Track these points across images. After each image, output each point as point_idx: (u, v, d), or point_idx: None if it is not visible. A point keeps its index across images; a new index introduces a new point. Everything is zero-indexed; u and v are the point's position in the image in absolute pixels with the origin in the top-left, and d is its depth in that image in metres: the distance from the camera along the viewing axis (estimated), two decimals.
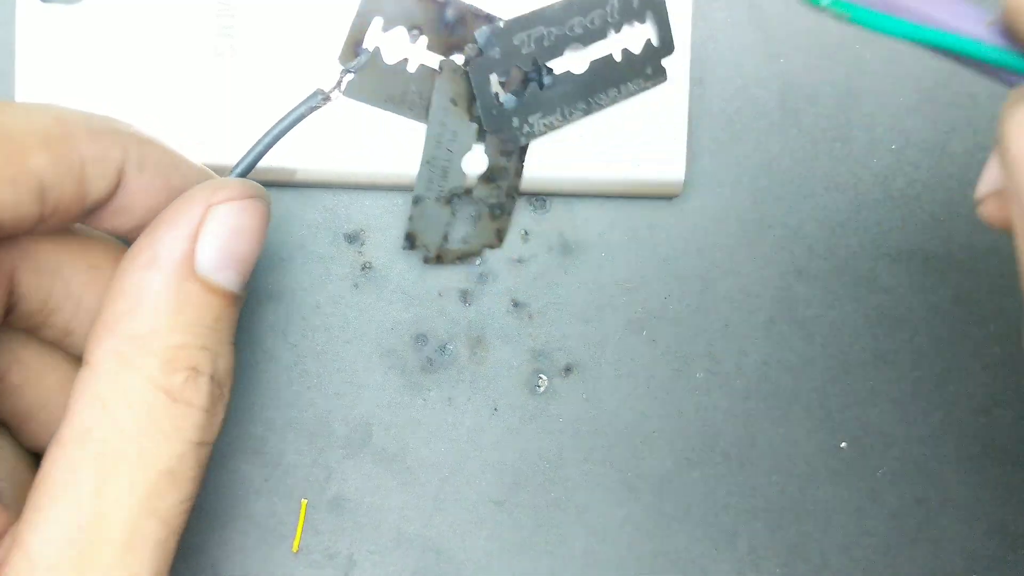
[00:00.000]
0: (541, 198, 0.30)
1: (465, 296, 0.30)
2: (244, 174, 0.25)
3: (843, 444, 0.31)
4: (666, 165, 0.29)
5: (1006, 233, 0.19)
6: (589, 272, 0.30)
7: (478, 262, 0.29)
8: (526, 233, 0.30)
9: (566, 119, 0.27)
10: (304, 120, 0.25)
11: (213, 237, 0.21)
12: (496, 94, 0.27)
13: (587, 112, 0.28)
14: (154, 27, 0.28)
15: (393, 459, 0.30)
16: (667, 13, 0.27)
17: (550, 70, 0.27)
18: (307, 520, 0.30)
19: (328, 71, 0.28)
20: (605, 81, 0.28)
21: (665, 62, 0.28)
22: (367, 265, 0.30)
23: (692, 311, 0.30)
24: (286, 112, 0.25)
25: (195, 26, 0.28)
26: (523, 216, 0.30)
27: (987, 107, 0.30)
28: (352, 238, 0.30)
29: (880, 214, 0.30)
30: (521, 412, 0.30)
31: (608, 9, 0.27)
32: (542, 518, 0.30)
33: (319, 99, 0.25)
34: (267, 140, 0.25)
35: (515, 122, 0.27)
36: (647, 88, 0.28)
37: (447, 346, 0.30)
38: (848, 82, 0.30)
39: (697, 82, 0.29)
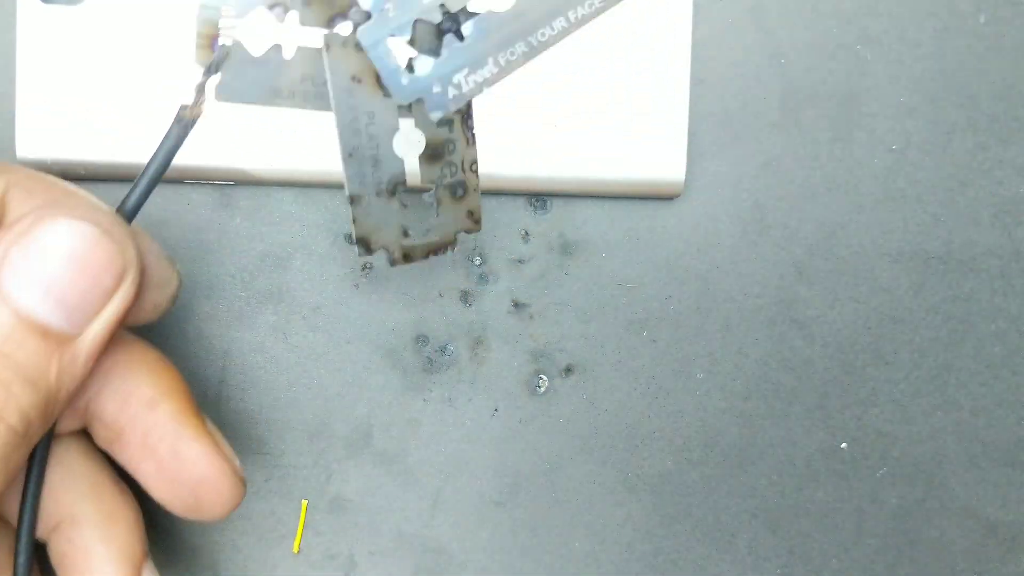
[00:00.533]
0: (541, 198, 0.30)
1: (466, 297, 0.30)
2: (135, 205, 0.22)
3: (843, 444, 0.31)
4: (666, 165, 0.29)
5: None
6: (589, 272, 0.30)
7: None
8: (526, 233, 0.30)
9: (504, 68, 0.22)
10: (183, 144, 0.22)
11: (19, 259, 0.19)
12: (405, 60, 0.22)
13: (530, 54, 0.22)
14: (154, 28, 0.28)
15: (393, 460, 0.30)
16: None
17: (469, 13, 0.22)
18: (307, 521, 0.30)
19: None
20: (545, 11, 0.22)
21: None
22: (368, 265, 0.30)
23: (692, 311, 0.30)
24: (154, 154, 0.22)
25: (195, 26, 0.28)
26: (523, 216, 0.30)
27: (988, 107, 0.30)
28: (352, 238, 0.30)
29: (880, 214, 0.30)
30: (521, 412, 0.30)
31: None
32: (542, 518, 0.30)
33: (187, 120, 0.22)
34: (146, 179, 0.22)
35: (436, 87, 0.22)
36: (607, 9, 0.22)
37: (447, 347, 0.30)
38: (848, 82, 0.30)
39: (698, 82, 0.29)
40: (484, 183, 0.28)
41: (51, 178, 0.22)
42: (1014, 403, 0.31)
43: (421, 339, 0.30)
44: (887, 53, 0.30)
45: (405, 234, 0.24)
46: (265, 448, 0.30)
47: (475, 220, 0.25)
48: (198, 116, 0.21)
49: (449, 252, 0.25)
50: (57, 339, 0.20)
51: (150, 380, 0.23)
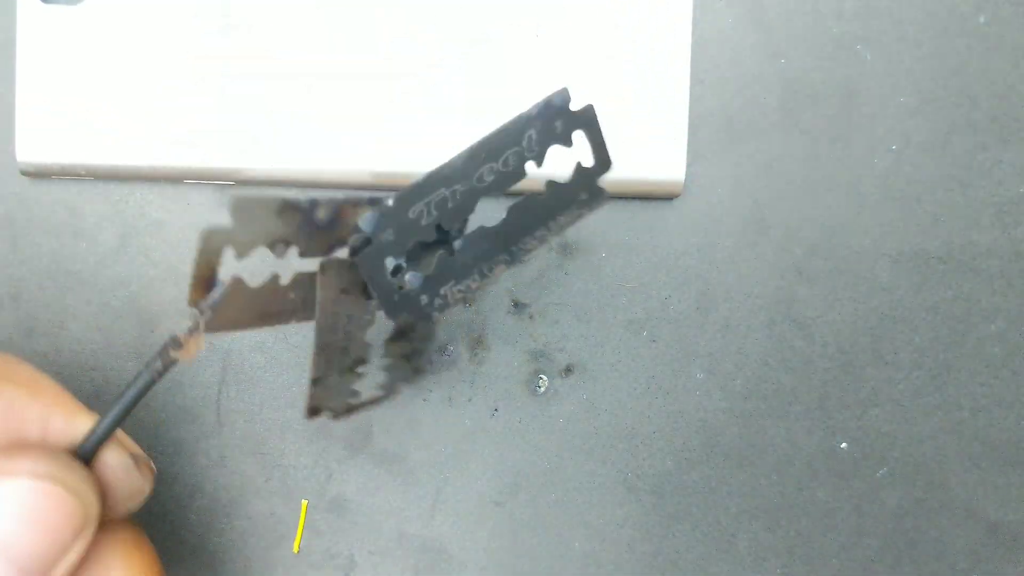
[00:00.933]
0: None
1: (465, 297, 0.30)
2: (96, 443, 0.22)
3: (843, 444, 0.31)
4: (666, 165, 0.29)
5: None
6: (589, 272, 0.30)
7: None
8: None
9: (486, 278, 0.23)
10: (158, 383, 0.22)
11: None
12: (398, 276, 0.23)
13: (511, 263, 0.23)
14: (154, 28, 0.28)
15: (393, 460, 0.30)
16: (599, 127, 0.23)
17: (460, 231, 0.23)
18: (307, 520, 0.30)
19: (331, 76, 0.28)
20: (529, 223, 0.23)
21: (603, 180, 0.24)
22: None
23: (692, 311, 0.30)
24: (131, 382, 0.22)
25: (195, 26, 0.28)
26: None
27: (988, 107, 0.30)
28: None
29: (880, 214, 0.30)
30: (521, 412, 0.30)
31: (525, 144, 0.22)
32: (542, 518, 0.30)
33: (166, 364, 0.22)
34: (116, 411, 0.22)
35: (424, 300, 0.23)
36: (583, 216, 0.24)
37: (447, 347, 0.30)
38: (848, 82, 0.30)
39: (698, 82, 0.29)
40: None
41: (62, 403, 0.21)
42: (1014, 403, 0.31)
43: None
44: (887, 53, 0.30)
45: (353, 394, 0.25)
46: (265, 448, 0.30)
47: (418, 371, 0.26)
48: (191, 357, 0.21)
49: (389, 399, 0.26)
50: None
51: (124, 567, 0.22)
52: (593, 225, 0.30)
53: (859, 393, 0.30)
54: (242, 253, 0.21)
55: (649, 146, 0.29)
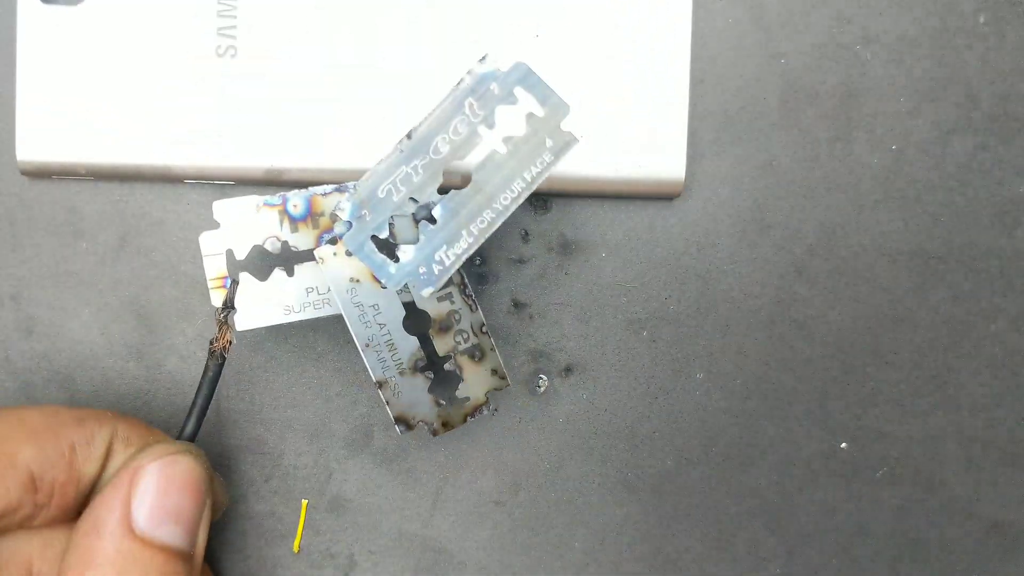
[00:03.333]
0: (542, 198, 0.30)
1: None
2: (191, 438, 0.26)
3: (843, 444, 0.31)
4: (666, 165, 0.29)
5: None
6: (589, 272, 0.30)
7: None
8: (526, 233, 0.30)
9: (478, 236, 0.24)
10: (221, 373, 0.26)
11: (144, 495, 0.23)
12: (390, 252, 0.24)
13: (498, 219, 0.25)
14: (154, 28, 0.28)
15: (393, 459, 0.30)
16: (538, 77, 0.24)
17: (437, 197, 0.25)
18: (307, 520, 0.30)
19: (327, 70, 0.28)
20: (502, 179, 0.24)
21: (567, 123, 0.24)
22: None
23: (692, 311, 0.30)
24: (200, 378, 0.26)
25: (195, 26, 0.28)
26: (523, 216, 0.30)
27: (988, 107, 0.30)
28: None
29: (880, 214, 0.30)
30: (521, 412, 0.30)
31: (468, 112, 0.24)
32: (542, 518, 0.30)
33: (218, 357, 0.25)
34: (195, 413, 0.26)
35: (422, 268, 0.24)
36: (559, 159, 0.25)
37: None
38: (848, 82, 0.30)
39: (697, 82, 0.29)
40: None
41: (141, 424, 0.26)
42: (1014, 403, 0.31)
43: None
44: (887, 53, 0.30)
45: (438, 404, 0.26)
46: (265, 448, 0.30)
47: (501, 376, 0.27)
48: (227, 347, 0.25)
49: (485, 411, 0.27)
50: (186, 558, 0.24)
51: None
52: (593, 225, 0.30)
53: (859, 393, 0.30)
54: (240, 251, 0.24)
55: (649, 146, 0.29)
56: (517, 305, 0.30)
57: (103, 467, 0.24)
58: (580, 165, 0.29)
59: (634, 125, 0.29)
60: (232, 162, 0.28)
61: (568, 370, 0.30)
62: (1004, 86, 0.30)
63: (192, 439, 0.26)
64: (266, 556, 0.30)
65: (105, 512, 0.23)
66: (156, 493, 0.23)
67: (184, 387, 0.30)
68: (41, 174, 0.29)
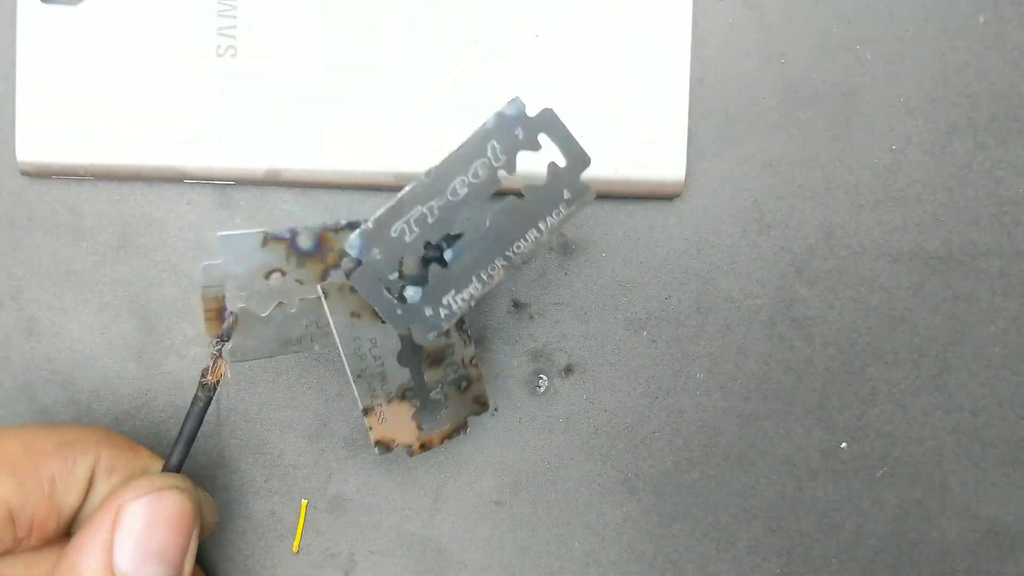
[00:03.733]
0: None
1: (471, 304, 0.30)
2: (177, 468, 0.25)
3: (843, 444, 0.31)
4: (666, 165, 0.29)
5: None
6: (589, 272, 0.30)
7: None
8: None
9: (487, 283, 0.24)
10: (210, 405, 0.25)
11: (128, 536, 0.22)
12: (397, 291, 0.24)
13: (510, 267, 0.24)
14: (154, 28, 0.28)
15: (393, 459, 0.30)
16: (563, 125, 0.24)
17: (450, 241, 0.24)
18: (307, 520, 0.30)
19: (327, 70, 0.28)
20: (518, 226, 0.24)
21: (585, 174, 0.24)
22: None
23: (692, 311, 0.30)
24: (186, 416, 0.25)
25: (195, 26, 0.28)
26: None
27: (988, 107, 0.30)
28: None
29: (880, 214, 0.30)
30: (521, 412, 0.30)
31: (490, 155, 0.23)
32: (542, 518, 0.30)
33: (210, 385, 0.24)
34: (182, 442, 0.25)
35: (428, 312, 0.24)
36: (575, 213, 0.24)
37: None
38: (849, 82, 0.30)
39: (698, 82, 0.29)
40: None
41: (126, 446, 0.25)
42: (1014, 403, 0.31)
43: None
44: (887, 53, 0.30)
45: (419, 428, 0.27)
46: (265, 448, 0.30)
47: (482, 404, 0.28)
48: (219, 380, 0.24)
49: (462, 434, 0.28)
50: None
51: None
52: (593, 225, 0.30)
53: (859, 393, 0.30)
54: (242, 285, 0.23)
55: (649, 146, 0.29)
56: (517, 305, 0.30)
57: (85, 497, 0.24)
58: None
59: (634, 125, 0.29)
60: (232, 162, 0.28)
61: (568, 370, 0.30)
62: (1004, 86, 0.30)
63: (178, 469, 0.25)
64: (266, 556, 0.30)
65: (86, 555, 0.22)
66: (140, 533, 0.22)
67: (184, 387, 0.30)
68: (41, 174, 0.29)
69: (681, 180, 0.29)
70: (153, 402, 0.30)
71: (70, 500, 0.23)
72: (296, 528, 0.30)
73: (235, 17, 0.28)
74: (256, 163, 0.28)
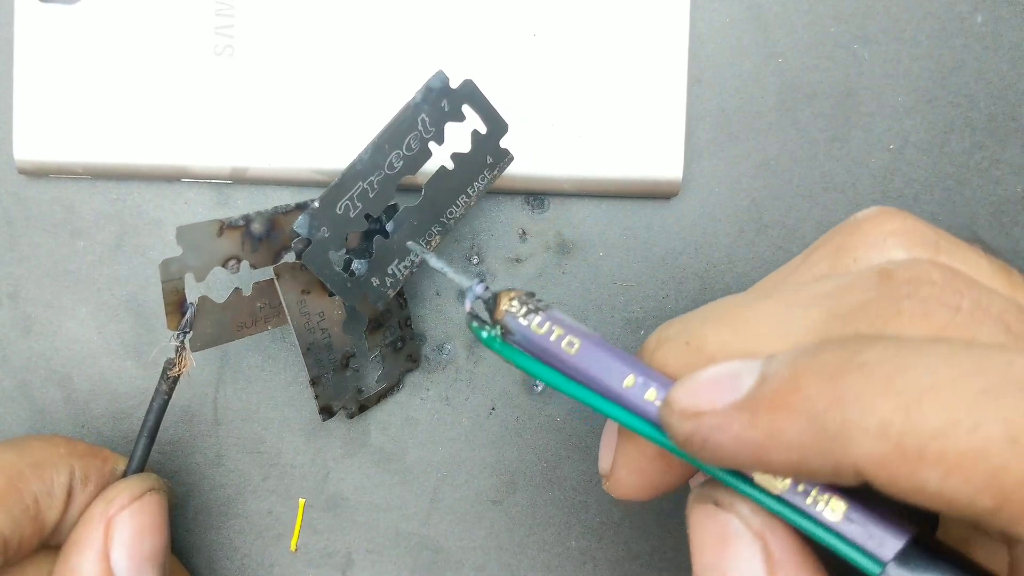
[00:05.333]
0: (539, 197, 0.30)
1: (463, 296, 0.30)
2: (139, 470, 0.26)
3: None
4: (664, 164, 0.29)
5: None
6: (587, 271, 0.30)
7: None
8: (524, 232, 0.30)
9: (425, 250, 0.25)
10: (169, 404, 0.26)
11: (122, 548, 0.23)
12: (344, 266, 0.25)
13: (444, 232, 0.26)
14: (152, 27, 0.28)
15: (391, 458, 0.30)
16: (483, 95, 0.25)
17: (390, 213, 0.25)
18: (305, 519, 0.30)
19: (325, 70, 0.28)
20: (448, 194, 0.26)
21: (504, 140, 0.26)
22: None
23: (689, 310, 0.30)
24: (147, 411, 0.26)
25: (194, 26, 0.28)
26: (521, 215, 0.30)
27: (985, 107, 0.30)
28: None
29: None
30: (519, 412, 0.30)
31: (421, 127, 0.24)
32: (539, 517, 0.30)
33: (170, 380, 0.25)
34: (145, 435, 0.25)
35: (374, 282, 0.25)
36: (496, 176, 0.26)
37: (445, 346, 0.30)
38: (846, 82, 0.30)
39: (695, 82, 0.29)
40: None
41: (91, 453, 0.25)
42: None
43: (418, 338, 0.30)
44: (885, 53, 0.30)
45: (359, 391, 0.28)
46: (263, 447, 0.30)
47: (414, 360, 0.30)
48: (183, 372, 0.25)
49: (396, 392, 0.30)
50: None
51: None
52: (591, 224, 0.30)
53: None
54: (200, 276, 0.23)
55: (647, 145, 0.29)
56: None
57: (65, 511, 0.24)
58: (577, 164, 0.29)
59: (632, 124, 0.29)
60: (229, 161, 0.28)
61: None
62: (1001, 86, 0.30)
63: (142, 466, 0.26)
64: (263, 555, 0.30)
65: (87, 570, 0.23)
66: (132, 542, 0.23)
67: (182, 385, 0.30)
68: (38, 173, 0.29)
69: (679, 179, 0.29)
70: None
71: (52, 516, 0.24)
72: (294, 527, 0.30)
73: (232, 16, 0.28)
74: (253, 162, 0.28)
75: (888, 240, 0.19)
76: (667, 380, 0.18)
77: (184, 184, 0.29)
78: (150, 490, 0.24)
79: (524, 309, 0.19)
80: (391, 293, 0.26)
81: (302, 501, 0.30)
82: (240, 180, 0.29)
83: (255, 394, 0.30)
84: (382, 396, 0.29)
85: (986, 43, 0.30)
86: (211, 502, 0.30)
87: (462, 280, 0.20)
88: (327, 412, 0.27)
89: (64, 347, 0.30)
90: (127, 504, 0.24)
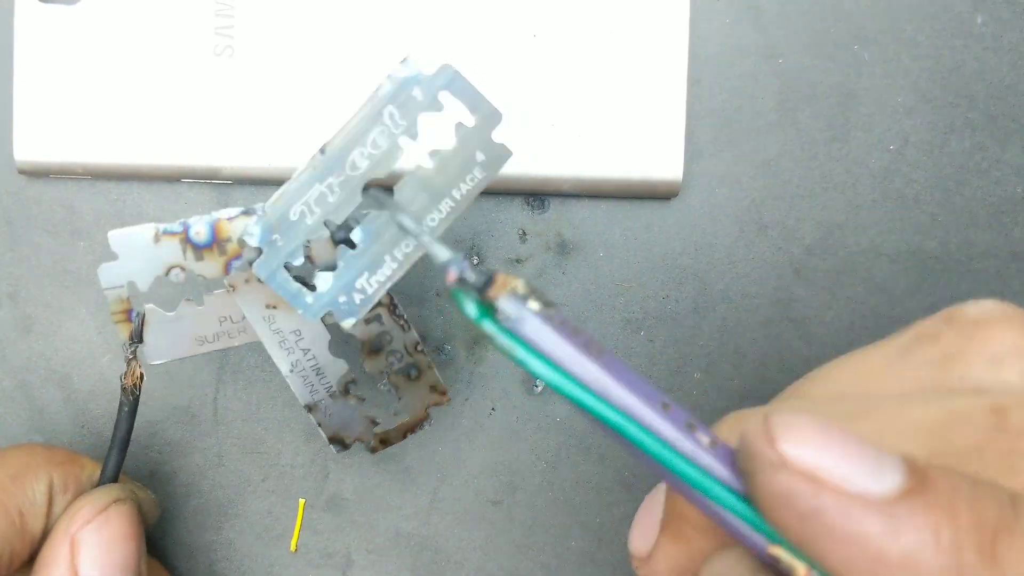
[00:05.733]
0: (539, 198, 0.30)
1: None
2: (113, 480, 0.25)
3: None
4: (664, 165, 0.29)
5: None
6: (587, 272, 0.30)
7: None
8: (524, 233, 0.30)
9: (404, 262, 0.22)
10: (136, 410, 0.24)
11: (91, 563, 0.23)
12: (307, 278, 0.22)
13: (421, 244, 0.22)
14: (152, 27, 0.28)
15: (391, 459, 0.30)
16: (467, 81, 0.22)
17: (360, 220, 0.22)
18: (305, 519, 0.30)
19: (325, 70, 0.28)
20: (429, 198, 0.22)
21: (497, 133, 0.22)
22: None
23: (690, 311, 0.30)
24: (115, 422, 0.25)
25: (193, 26, 0.28)
26: (521, 216, 0.30)
27: (986, 107, 0.30)
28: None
29: (878, 214, 0.30)
30: (519, 412, 0.30)
31: (388, 122, 0.21)
32: (539, 517, 0.30)
33: (129, 396, 0.24)
34: (116, 447, 0.25)
35: (342, 297, 0.22)
36: (492, 177, 0.22)
37: (445, 346, 0.30)
38: (846, 82, 0.30)
39: (695, 82, 0.29)
40: None
41: (68, 459, 0.25)
42: None
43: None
44: (885, 53, 0.30)
45: (374, 423, 0.26)
46: (262, 447, 0.30)
47: (440, 392, 0.26)
48: (139, 382, 0.24)
49: (426, 426, 0.26)
50: None
51: None
52: (590, 225, 0.30)
53: None
54: (142, 284, 0.22)
55: (646, 146, 0.29)
56: None
57: (47, 520, 0.24)
58: (577, 165, 0.29)
59: (631, 125, 0.29)
60: (229, 162, 0.28)
61: None
62: (1001, 86, 0.30)
63: (115, 476, 0.25)
64: (263, 555, 0.30)
65: None
66: (100, 554, 0.23)
67: (181, 385, 0.30)
68: (38, 173, 0.29)
69: (678, 180, 0.29)
70: (151, 402, 0.30)
71: (37, 526, 0.24)
72: (293, 527, 0.30)
73: (232, 16, 0.28)
74: (254, 163, 0.28)
75: (1005, 360, 0.17)
76: (717, 438, 0.15)
77: (184, 184, 0.29)
78: (115, 501, 0.24)
79: (533, 297, 0.15)
80: (362, 312, 0.22)
81: (302, 501, 0.30)
82: (240, 180, 0.29)
83: (255, 394, 0.30)
84: (409, 430, 0.26)
85: (986, 43, 0.30)
86: (211, 502, 0.30)
87: (440, 252, 0.18)
88: (339, 443, 0.25)
89: (64, 347, 0.30)
90: (91, 518, 0.23)
